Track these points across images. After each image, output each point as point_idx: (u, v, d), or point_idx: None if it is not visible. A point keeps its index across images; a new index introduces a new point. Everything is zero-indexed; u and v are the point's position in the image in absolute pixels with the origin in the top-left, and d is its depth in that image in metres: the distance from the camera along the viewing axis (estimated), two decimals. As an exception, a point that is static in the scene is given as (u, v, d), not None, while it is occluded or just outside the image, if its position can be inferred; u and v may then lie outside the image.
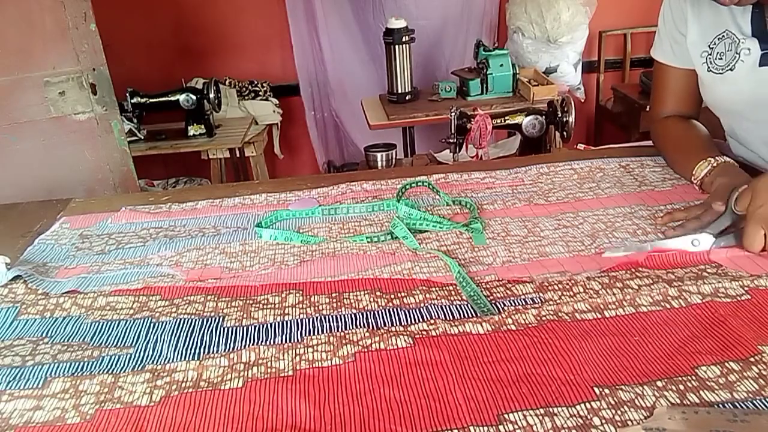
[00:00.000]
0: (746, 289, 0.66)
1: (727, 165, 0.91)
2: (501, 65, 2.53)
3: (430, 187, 0.97)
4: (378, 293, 0.71)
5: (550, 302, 0.67)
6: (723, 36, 0.96)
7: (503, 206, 0.92)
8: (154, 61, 2.88)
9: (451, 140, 1.73)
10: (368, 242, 0.83)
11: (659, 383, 0.54)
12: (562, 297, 0.67)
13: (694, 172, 0.93)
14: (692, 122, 1.07)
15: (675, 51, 1.04)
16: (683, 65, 1.04)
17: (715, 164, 0.91)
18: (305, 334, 0.64)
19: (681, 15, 1.01)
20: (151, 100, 2.44)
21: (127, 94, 2.36)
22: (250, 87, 2.92)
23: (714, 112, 1.05)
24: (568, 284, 0.70)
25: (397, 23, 2.48)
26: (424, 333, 0.63)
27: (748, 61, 0.93)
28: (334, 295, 0.72)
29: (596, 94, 3.24)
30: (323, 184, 1.05)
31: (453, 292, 0.70)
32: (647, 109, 2.66)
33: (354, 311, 0.68)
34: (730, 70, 0.96)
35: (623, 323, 0.63)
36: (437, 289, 0.71)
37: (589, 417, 0.50)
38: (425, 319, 0.65)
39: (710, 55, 0.98)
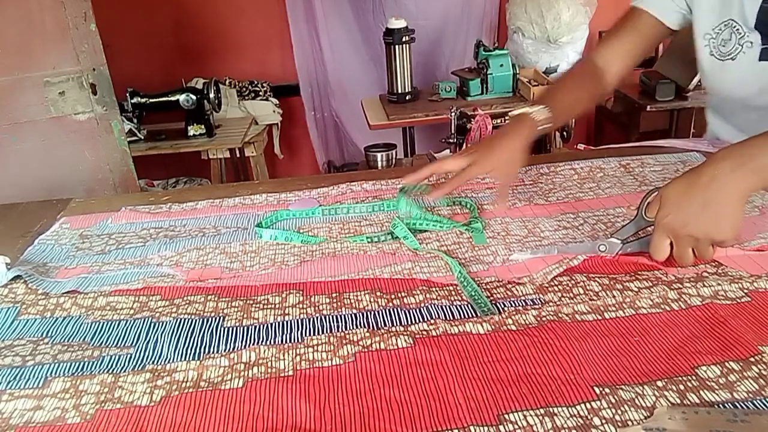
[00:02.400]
0: (746, 291, 0.66)
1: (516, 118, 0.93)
2: (501, 65, 2.53)
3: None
4: (378, 293, 0.71)
5: (550, 303, 0.67)
6: (728, 24, 0.96)
7: (503, 206, 0.92)
8: (154, 61, 2.88)
9: (451, 140, 1.73)
10: (368, 242, 0.83)
11: (659, 383, 0.54)
12: (562, 298, 0.67)
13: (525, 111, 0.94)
14: (584, 72, 1.07)
15: (669, 3, 1.02)
16: (658, 14, 1.02)
17: (516, 114, 0.94)
18: (305, 334, 0.64)
19: None
20: (151, 100, 2.45)
21: (127, 94, 2.36)
22: (250, 87, 2.92)
23: (712, 97, 1.06)
24: (568, 285, 0.70)
25: (397, 23, 2.48)
26: (425, 333, 0.63)
27: (749, 54, 0.94)
28: (334, 295, 0.72)
29: (596, 94, 3.23)
30: (323, 184, 1.05)
31: (453, 292, 0.70)
32: (647, 108, 2.67)
33: (354, 311, 0.68)
34: (731, 59, 0.96)
35: (623, 324, 0.63)
36: (437, 289, 0.71)
37: (589, 417, 0.51)
38: (425, 319, 0.65)
39: (714, 39, 0.99)
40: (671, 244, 0.71)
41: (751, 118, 0.99)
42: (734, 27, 0.96)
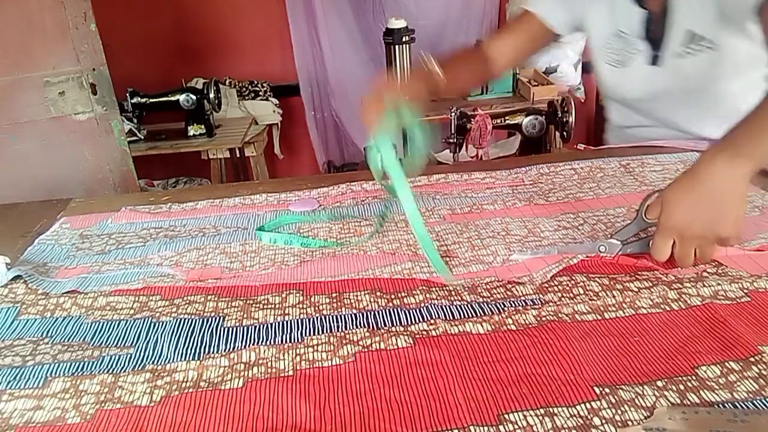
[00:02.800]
0: (746, 291, 0.66)
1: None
2: (501, 65, 2.53)
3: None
4: (378, 293, 0.71)
5: (550, 303, 0.67)
6: (617, 34, 1.07)
7: (503, 206, 0.92)
8: (154, 61, 2.87)
9: (451, 140, 1.73)
10: (303, 247, 0.84)
11: (659, 383, 0.54)
12: (562, 298, 0.67)
13: None
14: (477, 56, 1.13)
15: (556, 6, 1.10)
16: (547, 20, 1.10)
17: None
18: (305, 334, 0.64)
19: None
20: (151, 100, 2.44)
21: (127, 94, 2.36)
22: (250, 87, 2.92)
23: (610, 103, 1.18)
24: (568, 286, 0.70)
25: (397, 23, 2.48)
26: (425, 333, 0.63)
27: (639, 60, 1.05)
28: (334, 295, 0.72)
29: (596, 94, 3.23)
30: (323, 184, 1.05)
31: (453, 292, 0.70)
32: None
33: (354, 311, 0.68)
34: (625, 66, 1.07)
35: (623, 324, 0.63)
36: (437, 289, 0.71)
37: (589, 417, 0.51)
38: (425, 319, 0.65)
39: (608, 49, 1.09)
40: (673, 245, 0.71)
41: (643, 123, 1.14)
42: (624, 37, 1.06)
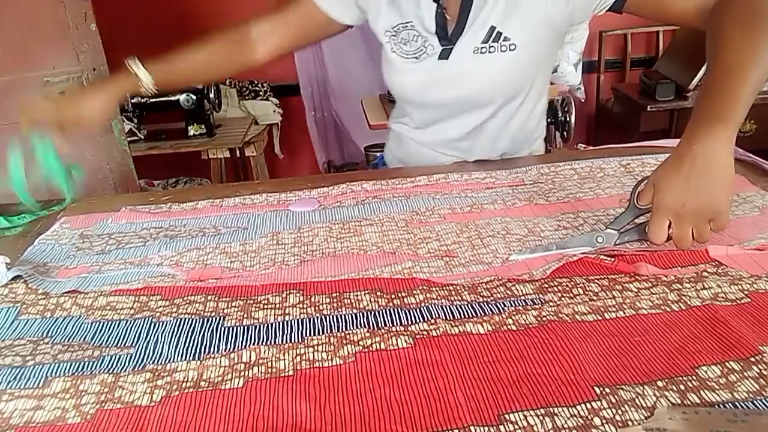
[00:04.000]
0: (746, 292, 0.66)
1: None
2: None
3: None
4: (378, 293, 0.71)
5: (551, 303, 0.67)
6: (408, 26, 1.02)
7: (503, 206, 0.92)
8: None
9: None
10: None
11: (660, 383, 0.54)
12: (562, 299, 0.67)
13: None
14: (230, 40, 1.08)
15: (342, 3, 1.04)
16: (324, 5, 1.04)
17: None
18: (306, 335, 0.64)
19: None
20: (151, 100, 2.44)
21: (128, 94, 2.36)
22: (250, 87, 2.92)
23: (395, 97, 1.11)
24: (568, 286, 0.70)
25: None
26: (425, 333, 0.63)
27: (431, 54, 1.00)
28: (334, 295, 0.72)
29: (596, 94, 3.24)
30: (324, 184, 1.05)
31: (453, 292, 0.70)
32: (647, 108, 2.67)
33: (354, 311, 0.68)
34: (415, 58, 1.02)
35: (623, 324, 0.63)
36: (437, 289, 0.71)
37: (589, 417, 0.50)
38: (426, 319, 0.65)
39: (395, 36, 1.03)
40: (669, 227, 0.72)
41: (429, 116, 1.09)
42: (415, 30, 1.01)
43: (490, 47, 0.97)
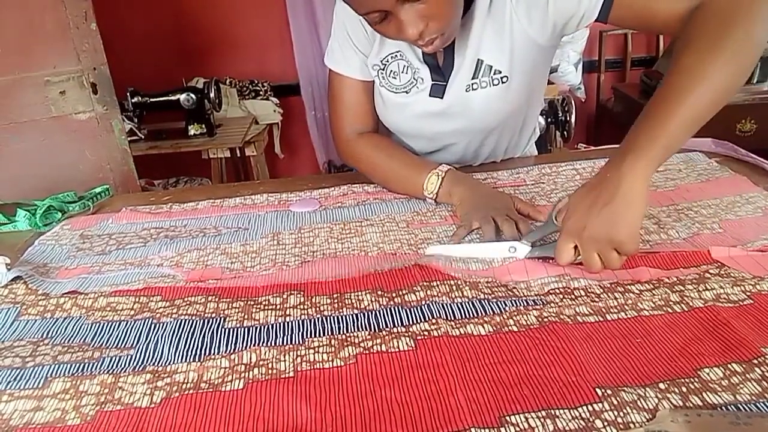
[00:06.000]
0: (748, 294, 0.66)
1: (453, 173, 0.94)
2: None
3: None
4: (379, 292, 0.71)
5: (552, 304, 0.66)
6: (397, 56, 0.97)
7: (504, 207, 0.91)
8: (154, 61, 2.87)
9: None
10: None
11: (662, 385, 0.54)
12: (564, 300, 0.67)
13: (426, 187, 0.93)
14: (388, 138, 1.06)
15: (358, 60, 1.00)
16: (360, 76, 1.01)
17: (442, 175, 0.93)
18: (306, 336, 0.64)
19: (359, 25, 0.97)
20: (152, 100, 2.44)
21: (128, 94, 2.36)
22: (250, 86, 2.92)
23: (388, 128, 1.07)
24: (569, 287, 0.70)
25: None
26: (426, 334, 0.63)
27: (422, 89, 0.96)
28: (335, 295, 0.71)
29: (597, 94, 3.23)
30: (324, 184, 1.05)
31: (454, 288, 0.70)
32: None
33: (355, 311, 0.68)
34: (405, 92, 0.98)
35: (625, 326, 0.62)
36: (438, 284, 0.71)
37: (591, 419, 0.50)
38: (427, 319, 0.65)
39: (383, 70, 0.98)
40: (576, 248, 0.71)
41: (424, 144, 1.06)
42: (406, 61, 0.96)
43: (481, 82, 0.93)
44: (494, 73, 0.93)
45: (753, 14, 0.70)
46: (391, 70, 0.97)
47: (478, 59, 0.93)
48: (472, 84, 0.94)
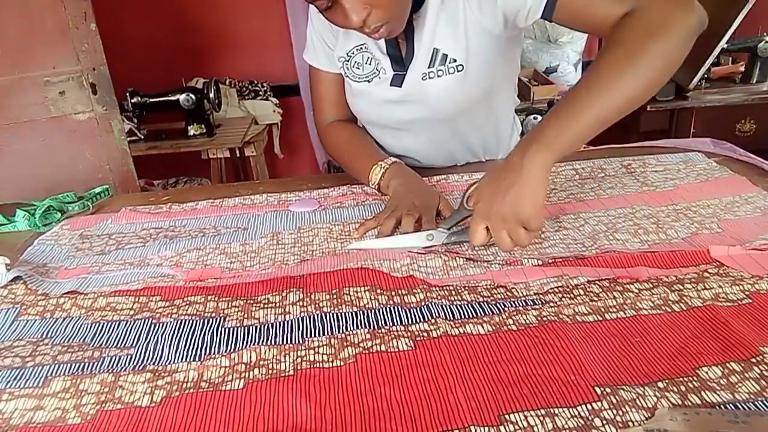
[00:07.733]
0: (747, 293, 0.66)
1: (396, 166, 0.98)
2: (501, 65, 2.52)
3: None
4: (378, 290, 0.71)
5: (551, 304, 0.67)
6: (362, 48, 1.00)
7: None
8: (154, 61, 2.87)
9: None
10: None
11: (660, 384, 0.54)
12: (563, 299, 0.67)
13: (370, 177, 0.98)
14: (353, 127, 1.11)
15: (326, 55, 1.05)
16: (330, 69, 1.06)
17: (386, 167, 0.97)
18: (306, 336, 0.64)
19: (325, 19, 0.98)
20: (151, 100, 2.44)
21: (127, 94, 2.36)
22: (250, 87, 2.92)
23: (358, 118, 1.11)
24: (568, 287, 0.70)
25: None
26: (425, 334, 0.63)
27: (384, 78, 0.99)
28: (334, 291, 0.72)
29: (596, 94, 3.23)
30: (324, 184, 1.05)
31: (453, 292, 0.70)
32: (647, 108, 2.66)
33: (355, 309, 0.68)
34: (367, 81, 1.01)
35: (624, 325, 0.63)
36: (437, 288, 0.71)
37: (590, 418, 0.50)
38: (426, 319, 0.65)
39: (347, 62, 1.02)
40: (488, 229, 0.75)
41: (387, 141, 1.09)
42: (369, 52, 1.00)
43: (438, 71, 0.95)
44: (450, 62, 0.95)
45: (675, 33, 0.74)
46: (356, 62, 1.01)
47: (434, 48, 0.95)
48: (429, 72, 0.96)
